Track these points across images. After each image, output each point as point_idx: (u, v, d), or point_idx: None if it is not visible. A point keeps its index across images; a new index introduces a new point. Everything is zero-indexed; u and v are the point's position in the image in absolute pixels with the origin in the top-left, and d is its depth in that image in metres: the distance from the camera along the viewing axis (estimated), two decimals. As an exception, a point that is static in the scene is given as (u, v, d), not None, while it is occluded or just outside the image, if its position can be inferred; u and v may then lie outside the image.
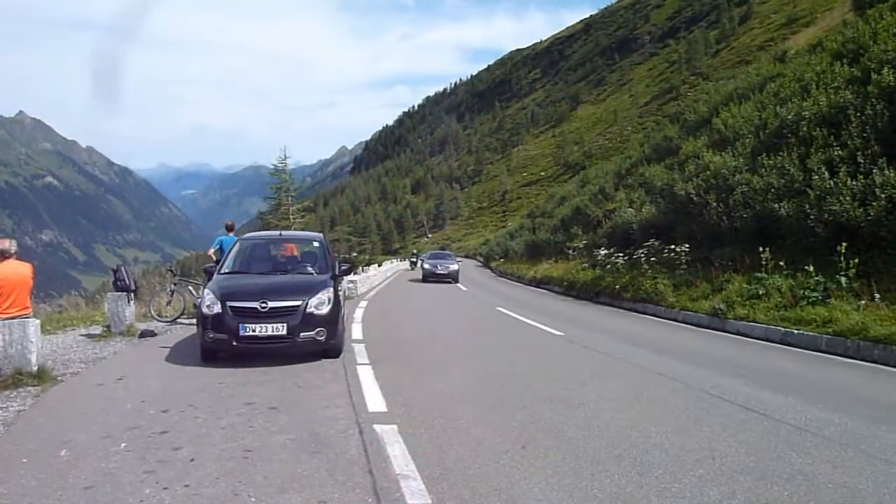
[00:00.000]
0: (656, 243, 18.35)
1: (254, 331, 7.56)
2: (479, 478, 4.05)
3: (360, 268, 31.68)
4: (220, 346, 7.74)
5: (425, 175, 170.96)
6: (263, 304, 7.65)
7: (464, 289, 26.92)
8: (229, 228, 13.93)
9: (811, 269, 11.56)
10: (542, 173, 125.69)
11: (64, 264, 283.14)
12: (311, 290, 8.11)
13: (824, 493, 3.90)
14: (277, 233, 11.33)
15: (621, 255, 20.21)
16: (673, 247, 17.11)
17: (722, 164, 16.99)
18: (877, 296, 10.14)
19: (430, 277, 31.83)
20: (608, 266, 20.76)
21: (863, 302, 10.16)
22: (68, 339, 10.52)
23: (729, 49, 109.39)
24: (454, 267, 31.81)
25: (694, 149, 21.15)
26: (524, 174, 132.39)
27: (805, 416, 5.71)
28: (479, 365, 8.23)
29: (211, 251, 13.56)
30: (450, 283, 30.41)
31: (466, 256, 75.36)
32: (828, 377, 7.88)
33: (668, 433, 5.10)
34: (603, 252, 21.86)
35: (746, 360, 9.05)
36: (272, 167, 41.31)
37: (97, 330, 11.30)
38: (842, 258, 10.92)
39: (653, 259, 17.95)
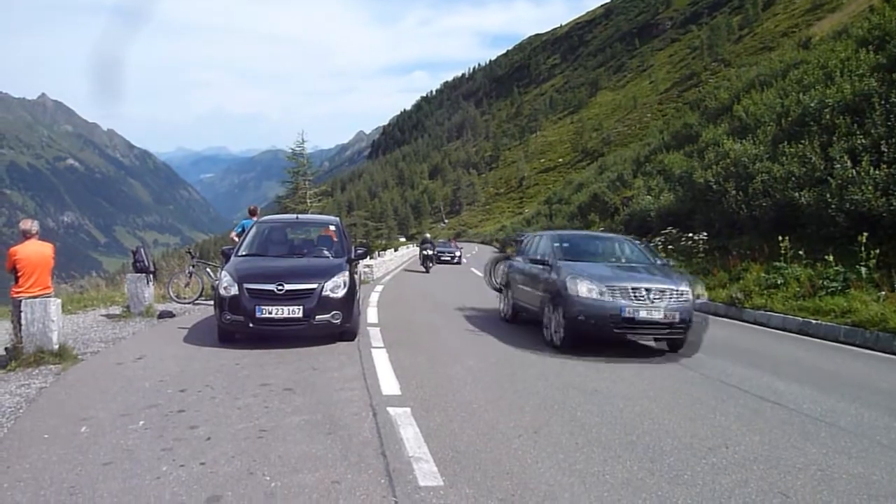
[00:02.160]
0: (674, 231, 18.24)
1: (270, 313, 7.61)
2: (491, 461, 4.07)
3: (377, 252, 31.77)
4: (236, 327, 7.82)
5: (443, 160, 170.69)
6: (280, 287, 7.70)
7: (479, 274, 26.92)
8: (252, 213, 14.00)
9: (831, 258, 11.43)
10: (560, 160, 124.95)
11: (85, 246, 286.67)
12: (327, 273, 8.15)
13: (838, 483, 3.88)
14: (294, 216, 11.38)
15: (638, 242, 20.06)
16: (691, 235, 16.99)
17: (742, 151, 16.79)
18: (898, 287, 10.01)
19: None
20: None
21: (883, 293, 10.04)
22: (88, 319, 10.68)
23: (752, 35, 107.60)
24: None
25: (714, 136, 20.93)
26: (542, 160, 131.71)
27: (820, 407, 5.67)
28: (494, 350, 8.24)
29: (233, 234, 13.69)
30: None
31: (483, 242, 75.37)
32: (845, 368, 7.81)
33: (682, 421, 5.09)
34: (620, 240, 21.74)
35: (763, 350, 8.99)
36: (290, 151, 41.36)
37: (117, 310, 11.45)
38: (862, 248, 10.78)
39: (670, 247, 17.83)
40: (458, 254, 37.42)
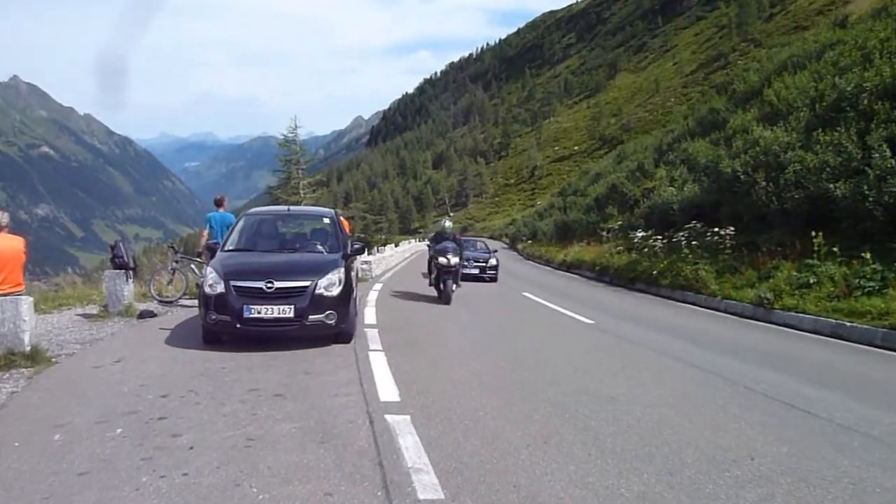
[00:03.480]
0: (698, 226, 18.20)
1: (259, 312, 7.64)
2: (497, 473, 4.09)
3: (376, 248, 31.82)
4: (222, 328, 7.85)
5: (447, 148, 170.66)
6: (269, 284, 7.73)
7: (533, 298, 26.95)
8: (218, 203, 13.92)
9: (868, 256, 11.40)
10: (576, 148, 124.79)
11: (60, 240, 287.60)
12: (321, 270, 8.17)
13: (871, 497, 3.88)
14: (285, 208, 11.40)
15: (660, 237, 20.07)
16: (716, 230, 16.95)
17: (773, 139, 16.74)
18: (941, 286, 9.98)
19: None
20: (645, 250, 20.64)
21: (925, 293, 10.01)
22: (64, 318, 10.73)
23: (784, 13, 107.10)
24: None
25: (742, 122, 20.85)
26: (556, 148, 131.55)
27: (854, 415, 5.67)
28: (501, 353, 8.26)
29: (205, 232, 13.55)
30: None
31: (491, 238, 75.37)
32: (881, 374, 7.80)
33: (704, 430, 5.10)
34: (640, 234, 21.74)
35: (793, 354, 8.98)
36: (282, 138, 41.41)
37: (94, 310, 11.50)
38: (903, 244, 10.74)
39: (694, 243, 17.80)
40: (492, 262, 22.13)
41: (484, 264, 21.67)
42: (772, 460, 4.45)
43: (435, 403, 5.65)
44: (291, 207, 12.01)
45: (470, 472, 4.08)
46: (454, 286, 14.04)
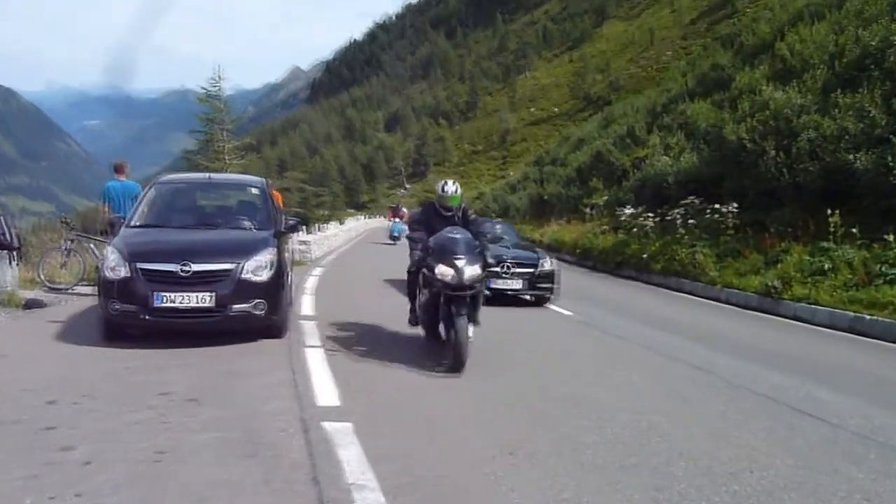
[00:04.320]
0: (697, 202, 18.45)
1: (172, 301, 7.54)
2: (455, 490, 4.12)
3: (317, 225, 31.66)
4: (127, 320, 7.74)
5: (403, 108, 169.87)
6: (185, 268, 7.62)
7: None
8: (118, 170, 13.58)
9: (891, 238, 11.69)
10: (555, 109, 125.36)
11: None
12: (248, 250, 8.10)
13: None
14: (205, 175, 11.25)
15: (651, 215, 20.29)
16: (718, 206, 17.21)
17: (785, 101, 17.01)
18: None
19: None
20: (634, 229, 20.86)
21: (952, 281, 10.33)
22: (-69, 308, 10.46)
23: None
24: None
25: (750, 81, 21.15)
26: (532, 109, 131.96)
27: (871, 423, 5.84)
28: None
29: (105, 207, 13.21)
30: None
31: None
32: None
33: (699, 439, 5.20)
34: (628, 211, 21.92)
35: (803, 352, 9.20)
36: (202, 92, 40.90)
37: (-32, 298, 11.23)
38: (930, 225, 11.06)
39: (691, 222, 18.05)
40: (546, 265, 13.37)
41: (532, 270, 12.82)
42: (775, 473, 4.56)
43: (382, 409, 5.66)
44: (213, 175, 11.85)
45: (423, 489, 4.10)
46: (471, 328, 7.22)
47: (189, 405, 5.63)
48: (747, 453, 4.94)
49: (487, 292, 7.93)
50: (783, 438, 5.32)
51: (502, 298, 12.06)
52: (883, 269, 11.43)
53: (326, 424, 5.14)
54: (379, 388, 6.27)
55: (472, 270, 7.28)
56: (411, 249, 8.21)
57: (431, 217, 8.45)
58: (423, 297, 8.03)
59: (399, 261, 22.53)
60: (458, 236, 7.63)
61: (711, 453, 4.90)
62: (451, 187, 8.41)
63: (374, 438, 4.89)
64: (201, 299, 7.62)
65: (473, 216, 8.69)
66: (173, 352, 7.48)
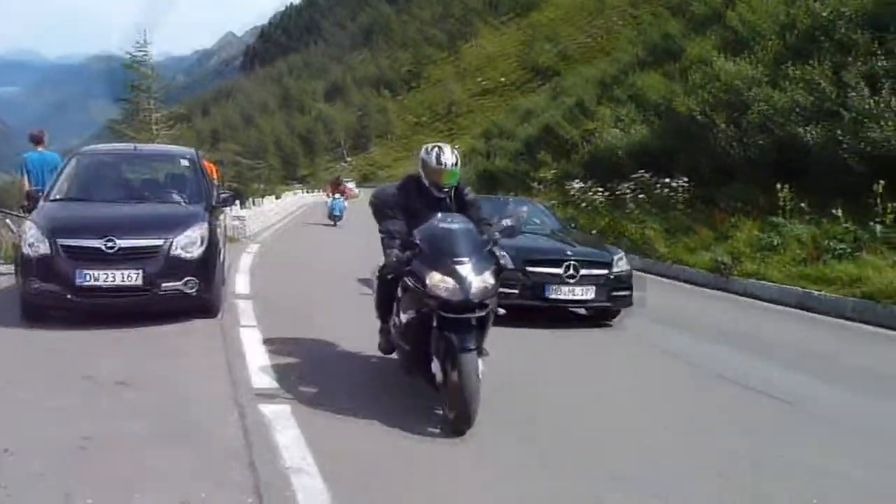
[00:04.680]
0: (647, 176, 18.70)
1: (97, 279, 7.41)
2: (397, 475, 4.16)
3: (252, 199, 31.27)
4: (49, 300, 7.59)
5: (344, 77, 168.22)
6: (110, 244, 7.47)
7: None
8: (35, 141, 13.23)
9: (839, 213, 12.01)
10: (503, 79, 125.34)
11: None
12: (178, 225, 7.98)
13: (834, 487, 4.16)
14: (132, 146, 11.04)
15: (601, 189, 20.52)
16: (668, 181, 17.46)
17: (736, 73, 17.29)
18: (918, 249, 10.67)
19: None
20: (584, 204, 21.06)
21: (899, 256, 10.68)
22: None
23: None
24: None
25: (701, 52, 21.41)
26: (478, 80, 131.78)
27: (817, 397, 6.03)
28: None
29: (23, 180, 12.88)
30: None
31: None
32: (850, 350, 8.32)
33: (630, 412, 5.31)
34: (578, 186, 22.12)
35: (750, 328, 9.44)
36: (128, 58, 40.05)
37: None
38: (878, 200, 11.38)
39: (641, 196, 18.30)
40: (622, 265, 9.72)
41: (605, 272, 9.30)
42: (721, 446, 4.70)
43: (322, 391, 5.65)
44: (140, 146, 11.62)
45: (364, 474, 4.12)
46: (479, 362, 5.09)
47: (116, 389, 5.56)
48: (691, 426, 5.07)
49: (502, 310, 5.43)
50: (730, 412, 5.47)
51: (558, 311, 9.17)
52: (832, 244, 11.73)
53: (263, 407, 5.12)
54: (318, 371, 6.25)
55: (481, 280, 5.05)
56: (386, 247, 5.72)
57: (414, 199, 6.02)
58: (403, 316, 5.55)
59: (334, 237, 22.38)
60: (456, 226, 5.38)
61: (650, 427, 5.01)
62: (450, 157, 5.89)
63: (312, 421, 4.89)
64: (128, 277, 7.49)
65: (471, 197, 6.26)
66: (98, 333, 7.35)
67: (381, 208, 6.19)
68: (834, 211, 12.19)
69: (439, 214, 5.57)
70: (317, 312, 9.22)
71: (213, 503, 3.68)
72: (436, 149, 5.95)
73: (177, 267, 7.70)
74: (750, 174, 15.65)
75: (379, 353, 6.30)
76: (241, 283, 11.11)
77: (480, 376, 4.85)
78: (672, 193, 17.18)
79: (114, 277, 7.46)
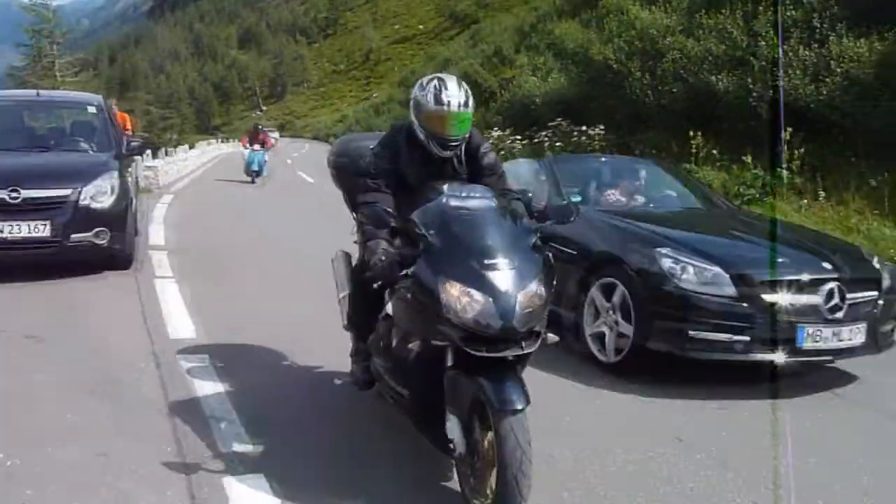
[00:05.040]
0: (564, 124, 18.91)
1: (1, 231, 7.19)
2: (318, 424, 4.19)
3: (164, 150, 30.48)
4: (-50, 253, 7.32)
5: (258, 23, 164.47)
6: (14, 194, 7.24)
7: (310, 181, 26.68)
8: None
9: (748, 160, 12.38)
10: (421, 27, 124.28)
11: None
12: (87, 174, 7.78)
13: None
14: (34, 92, 10.63)
15: (519, 138, 20.67)
16: (584, 128, 17.69)
17: (651, 22, 17.50)
18: (821, 194, 11.11)
19: None
20: (502, 152, 21.17)
21: (805, 201, 11.11)
22: None
23: None
24: None
25: (618, 1, 21.57)
26: (396, 27, 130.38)
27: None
28: (330, 279, 8.25)
29: None
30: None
31: (315, 139, 74.40)
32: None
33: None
34: (496, 133, 22.22)
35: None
36: (27, 1, 38.40)
37: None
38: (786, 147, 11.76)
39: (558, 144, 18.51)
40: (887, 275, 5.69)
41: (874, 295, 5.41)
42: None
43: (241, 342, 5.63)
44: (42, 92, 11.18)
45: (286, 425, 4.14)
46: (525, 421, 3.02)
47: (27, 343, 5.45)
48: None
49: (554, 337, 3.43)
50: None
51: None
52: (741, 189, 12.11)
53: (180, 358, 5.10)
54: (236, 321, 6.18)
55: (527, 295, 3.13)
56: (367, 237, 3.64)
57: (405, 161, 3.98)
58: (400, 345, 3.52)
59: (251, 187, 22.05)
60: (479, 205, 3.40)
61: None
62: (456, 93, 3.77)
63: (231, 372, 4.88)
64: (35, 228, 7.29)
65: (491, 158, 4.09)
66: (5, 287, 7.12)
67: (351, 173, 4.50)
68: (744, 158, 12.55)
69: (447, 186, 3.73)
70: (234, 260, 9.15)
71: (131, 454, 3.64)
72: (435, 82, 3.84)
73: (86, 217, 7.52)
74: (664, 122, 15.99)
75: (303, 306, 6.15)
76: (155, 234, 10.91)
77: (530, 444, 2.96)
78: (588, 141, 17.42)
79: (19, 229, 7.26)
